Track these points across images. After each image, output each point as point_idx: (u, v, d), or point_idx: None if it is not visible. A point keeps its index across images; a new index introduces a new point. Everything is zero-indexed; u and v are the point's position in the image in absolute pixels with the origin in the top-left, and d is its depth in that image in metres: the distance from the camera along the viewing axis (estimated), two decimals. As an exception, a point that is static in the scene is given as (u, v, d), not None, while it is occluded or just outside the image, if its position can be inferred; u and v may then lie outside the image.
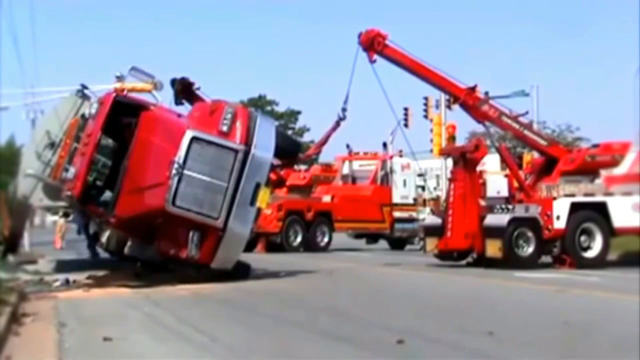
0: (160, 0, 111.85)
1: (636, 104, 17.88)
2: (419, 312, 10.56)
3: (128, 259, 15.38)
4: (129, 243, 14.52)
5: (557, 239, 17.61)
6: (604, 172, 18.57)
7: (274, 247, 26.29)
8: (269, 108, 71.03)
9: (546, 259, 18.05)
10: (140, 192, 14.12)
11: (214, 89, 66.79)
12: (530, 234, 17.57)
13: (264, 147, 14.62)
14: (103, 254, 18.74)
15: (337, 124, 19.33)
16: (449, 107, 34.10)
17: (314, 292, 13.69)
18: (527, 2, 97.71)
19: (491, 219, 17.89)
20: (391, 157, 30.22)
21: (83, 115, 15.89)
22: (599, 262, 17.52)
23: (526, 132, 19.86)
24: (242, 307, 11.38)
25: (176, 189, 13.78)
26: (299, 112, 75.26)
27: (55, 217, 36.10)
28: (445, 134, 35.47)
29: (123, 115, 14.96)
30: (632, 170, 18.24)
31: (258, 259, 19.11)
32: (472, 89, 19.44)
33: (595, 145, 20.13)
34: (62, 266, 19.17)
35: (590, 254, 17.73)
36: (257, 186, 14.38)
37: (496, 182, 19.29)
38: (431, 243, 19.28)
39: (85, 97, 16.93)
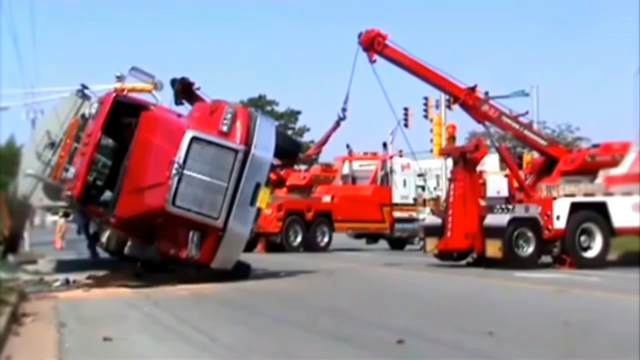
0: (160, 0, 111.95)
1: (636, 104, 17.90)
2: (419, 312, 10.56)
3: (128, 259, 15.38)
4: (129, 243, 14.52)
5: (557, 239, 17.61)
6: (603, 172, 18.56)
7: (274, 247, 26.29)
8: (269, 108, 71.04)
9: (546, 259, 18.05)
10: (140, 192, 14.12)
11: (214, 89, 66.80)
12: (530, 234, 17.57)
13: (264, 147, 14.62)
14: (103, 254, 18.74)
15: (337, 124, 19.33)
16: (449, 107, 34.10)
17: (314, 292, 13.69)
18: (527, 2, 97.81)
19: (491, 219, 17.89)
20: (391, 157, 30.22)
21: (83, 115, 15.89)
22: (599, 262, 17.52)
23: (526, 132, 19.86)
24: (242, 307, 11.38)
25: (176, 189, 13.78)
26: (299, 112, 75.37)
27: (55, 217, 36.10)
28: (445, 134, 35.47)
29: (123, 115, 14.96)
30: (632, 170, 18.24)
31: (258, 259, 19.11)
32: (472, 89, 19.44)
33: (595, 145, 20.13)
34: (62, 266, 19.17)
35: (590, 254, 17.73)
36: (257, 186, 14.38)
37: (496, 182, 19.29)
38: (431, 243, 19.28)
39: (85, 97, 16.93)
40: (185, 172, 13.89)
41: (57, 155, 16.09)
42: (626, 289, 12.77)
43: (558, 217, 17.50)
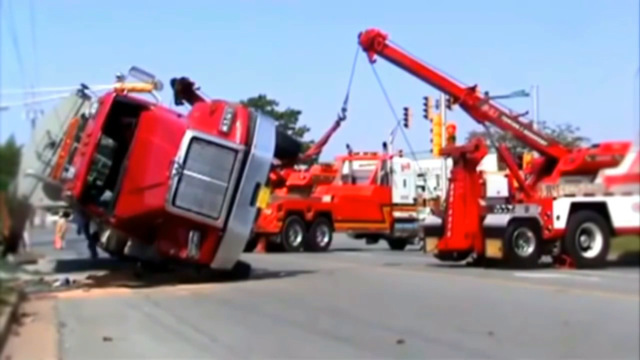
0: (160, 0, 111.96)
1: (636, 104, 17.89)
2: (419, 312, 10.56)
3: (128, 259, 15.38)
4: (129, 243, 14.52)
5: (557, 239, 17.60)
6: (603, 172, 18.56)
7: (274, 247, 26.28)
8: (269, 108, 71.04)
9: (546, 259, 18.05)
10: (140, 192, 14.12)
11: (214, 89, 66.77)
12: (530, 234, 17.57)
13: (264, 147, 14.62)
14: (103, 254, 18.73)
15: (337, 124, 19.32)
16: (449, 107, 34.12)
17: (314, 292, 13.69)
18: (527, 2, 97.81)
19: (491, 219, 17.89)
20: (391, 157, 30.21)
21: (83, 115, 15.90)
22: (599, 262, 17.52)
23: (526, 132, 19.86)
24: (242, 307, 11.38)
25: (176, 189, 13.78)
26: (299, 112, 75.35)
27: (55, 217, 36.09)
28: (445, 134, 35.50)
29: (123, 115, 14.96)
30: (632, 170, 18.24)
31: (258, 259, 19.11)
32: (472, 89, 19.44)
33: (595, 145, 20.13)
34: (62, 266, 19.17)
35: (590, 254, 17.73)
36: (257, 186, 14.38)
37: (496, 182, 19.28)
38: (431, 243, 19.28)
39: (85, 97, 16.93)
40: (185, 172, 13.88)
41: (57, 155, 16.09)
42: (626, 289, 12.76)
43: (558, 217, 17.50)
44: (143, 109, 14.86)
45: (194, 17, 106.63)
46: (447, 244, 18.43)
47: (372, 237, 30.55)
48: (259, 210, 14.99)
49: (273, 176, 15.83)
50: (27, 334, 8.74)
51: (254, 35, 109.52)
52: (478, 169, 19.21)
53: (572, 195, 18.05)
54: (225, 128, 14.35)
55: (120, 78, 17.51)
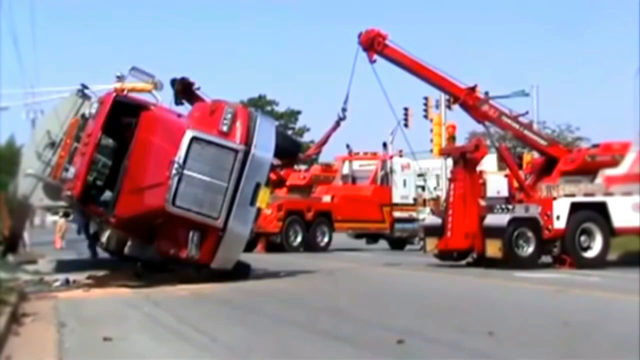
0: (160, 0, 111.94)
1: (636, 104, 17.89)
2: (419, 312, 10.55)
3: (128, 259, 15.37)
4: (129, 243, 14.51)
5: (557, 239, 17.60)
6: (603, 172, 18.56)
7: (274, 247, 26.28)
8: (269, 108, 71.05)
9: (546, 259, 18.05)
10: (140, 192, 14.12)
11: (214, 89, 66.92)
12: (530, 234, 17.57)
13: (264, 147, 14.62)
14: (103, 254, 18.72)
15: (337, 124, 19.31)
16: (449, 107, 34.13)
17: (314, 292, 13.69)
18: (527, 2, 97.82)
19: (491, 219, 17.88)
20: (391, 157, 30.21)
21: (83, 115, 15.89)
22: (599, 262, 17.52)
23: (526, 132, 19.86)
24: (242, 307, 11.38)
25: (176, 189, 13.78)
26: (299, 112, 75.36)
27: (55, 217, 36.08)
28: (445, 134, 35.50)
29: (123, 115, 14.96)
30: (632, 170, 18.24)
31: (258, 259, 19.11)
32: (472, 89, 19.44)
33: (595, 145, 20.13)
34: (62, 266, 19.17)
35: (590, 254, 17.73)
36: (257, 186, 14.38)
37: (496, 182, 19.28)
38: (431, 243, 19.28)
39: (85, 97, 16.94)
40: (185, 172, 13.88)
41: (57, 155, 16.09)
42: (626, 289, 12.76)
43: (558, 217, 17.50)
44: (143, 109, 14.86)
45: (194, 17, 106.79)
46: (447, 244, 18.43)
47: (372, 237, 30.54)
48: (259, 210, 14.99)
49: (273, 176, 15.83)
50: (27, 334, 8.74)
51: (254, 35, 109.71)
52: (478, 169, 19.22)
53: (572, 195, 18.05)
54: (225, 128, 14.35)
55: (120, 78, 17.51)
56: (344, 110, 19.15)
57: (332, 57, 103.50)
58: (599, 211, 17.90)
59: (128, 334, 8.70)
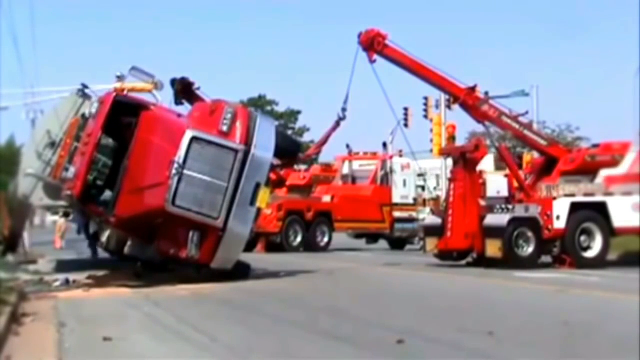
0: (160, 0, 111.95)
1: (636, 104, 17.88)
2: (419, 312, 10.56)
3: (128, 259, 15.38)
4: (129, 243, 14.51)
5: (557, 239, 17.60)
6: (603, 172, 18.56)
7: (274, 247, 26.28)
8: (269, 108, 71.05)
9: (546, 259, 18.05)
10: (140, 192, 14.12)
11: (214, 89, 66.94)
12: (530, 234, 17.57)
13: (264, 147, 14.62)
14: (103, 254, 18.72)
15: (337, 124, 19.31)
16: (449, 107, 34.12)
17: (314, 292, 13.69)
18: (527, 2, 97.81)
19: (491, 219, 17.89)
20: (391, 157, 30.21)
21: (83, 115, 15.90)
22: (599, 262, 17.52)
23: (526, 132, 19.86)
24: (242, 307, 11.37)
25: (176, 189, 13.78)
26: (299, 112, 75.38)
27: (55, 217, 36.09)
28: (445, 134, 35.48)
29: (123, 115, 14.96)
30: (632, 170, 18.24)
31: (258, 259, 19.11)
32: (472, 89, 19.44)
33: (595, 145, 20.12)
34: (62, 266, 19.17)
35: (590, 254, 17.73)
36: (257, 186, 14.38)
37: (496, 182, 19.29)
38: (431, 243, 19.28)
39: (85, 97, 16.94)
40: (185, 172, 13.88)
41: (57, 155, 16.09)
42: (626, 289, 12.76)
43: (558, 217, 17.50)
44: (143, 109, 14.87)
45: (194, 17, 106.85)
46: (447, 244, 18.43)
47: (372, 237, 30.54)
48: (259, 210, 14.99)
49: (273, 176, 15.83)
50: (27, 334, 8.74)
51: (254, 35, 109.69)
52: (477, 169, 19.22)
53: (572, 195, 18.05)
54: (225, 128, 14.35)
55: (120, 78, 17.53)
56: (344, 110, 19.15)
57: (332, 57, 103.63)
58: (599, 211, 17.90)
59: (128, 334, 8.70)
